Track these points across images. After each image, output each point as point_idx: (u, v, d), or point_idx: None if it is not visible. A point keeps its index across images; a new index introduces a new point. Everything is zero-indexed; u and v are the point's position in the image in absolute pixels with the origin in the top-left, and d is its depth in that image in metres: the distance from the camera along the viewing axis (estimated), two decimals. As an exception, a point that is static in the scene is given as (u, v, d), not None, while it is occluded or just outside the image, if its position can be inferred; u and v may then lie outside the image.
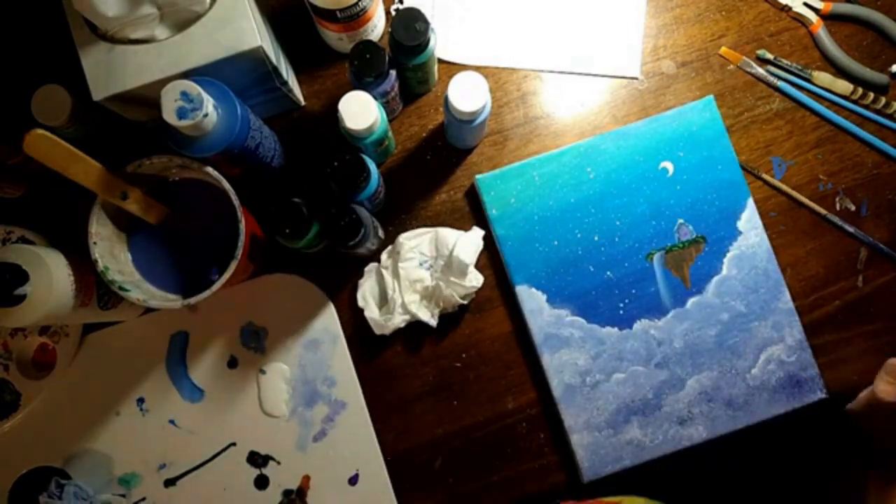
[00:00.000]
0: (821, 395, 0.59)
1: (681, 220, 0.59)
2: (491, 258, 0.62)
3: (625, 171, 0.60)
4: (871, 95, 0.62)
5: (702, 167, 0.60)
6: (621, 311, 0.59)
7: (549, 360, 0.59)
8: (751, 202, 0.60)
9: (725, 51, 0.63)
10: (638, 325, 0.59)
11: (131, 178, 0.52)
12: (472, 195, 0.62)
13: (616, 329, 0.59)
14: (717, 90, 0.63)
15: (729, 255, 0.59)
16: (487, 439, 0.61)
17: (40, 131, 0.45)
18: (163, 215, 0.55)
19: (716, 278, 0.59)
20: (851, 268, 0.62)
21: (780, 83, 0.63)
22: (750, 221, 0.60)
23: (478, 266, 0.59)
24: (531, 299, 0.59)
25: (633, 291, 0.59)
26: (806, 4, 0.63)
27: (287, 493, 0.60)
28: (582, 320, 0.59)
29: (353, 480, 0.60)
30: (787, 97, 0.63)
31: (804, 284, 0.61)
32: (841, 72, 0.63)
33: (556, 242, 0.59)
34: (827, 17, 0.63)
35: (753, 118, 0.63)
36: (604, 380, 0.58)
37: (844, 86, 0.62)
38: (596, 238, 0.59)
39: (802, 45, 0.64)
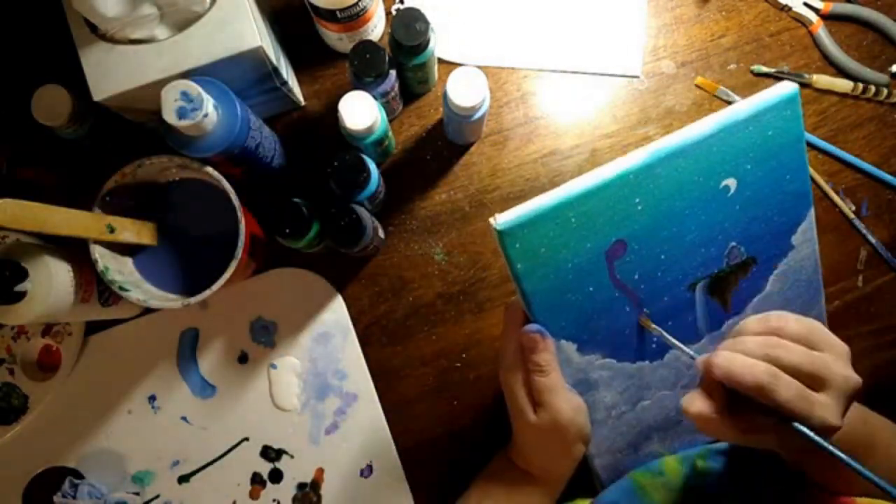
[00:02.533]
0: None
1: (733, 244, 0.50)
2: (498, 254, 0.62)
3: (679, 196, 0.47)
4: (873, 88, 0.62)
5: (768, 180, 0.49)
6: (654, 346, 0.52)
7: None
8: (811, 213, 0.51)
9: (701, 81, 0.63)
10: (670, 356, 0.52)
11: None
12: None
13: (647, 362, 0.52)
14: (717, 90, 0.63)
15: (776, 271, 0.52)
16: (487, 440, 0.61)
17: (8, 200, 0.43)
18: (156, 233, 0.55)
19: (757, 297, 0.52)
20: (851, 268, 0.62)
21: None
22: (805, 234, 0.51)
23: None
24: (560, 352, 0.50)
25: (670, 323, 0.51)
26: (806, 4, 0.63)
27: (301, 486, 0.61)
28: (612, 360, 0.51)
29: (366, 472, 0.61)
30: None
31: (804, 284, 0.62)
32: (841, 72, 0.63)
33: (591, 289, 0.49)
34: (827, 17, 0.63)
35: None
36: (629, 410, 0.53)
37: (844, 84, 0.62)
38: (636, 277, 0.49)
39: (802, 45, 0.64)
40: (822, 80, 0.62)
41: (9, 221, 0.43)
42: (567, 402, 0.48)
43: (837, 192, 0.62)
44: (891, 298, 0.62)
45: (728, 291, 0.52)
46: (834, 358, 0.38)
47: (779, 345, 0.38)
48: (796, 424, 0.36)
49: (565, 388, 0.49)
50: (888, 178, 0.62)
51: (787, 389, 0.36)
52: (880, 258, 0.62)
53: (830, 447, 0.35)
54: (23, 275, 0.48)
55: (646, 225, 0.48)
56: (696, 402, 0.40)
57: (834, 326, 0.61)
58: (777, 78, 0.63)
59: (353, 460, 0.61)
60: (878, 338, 0.61)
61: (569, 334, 0.49)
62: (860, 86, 0.62)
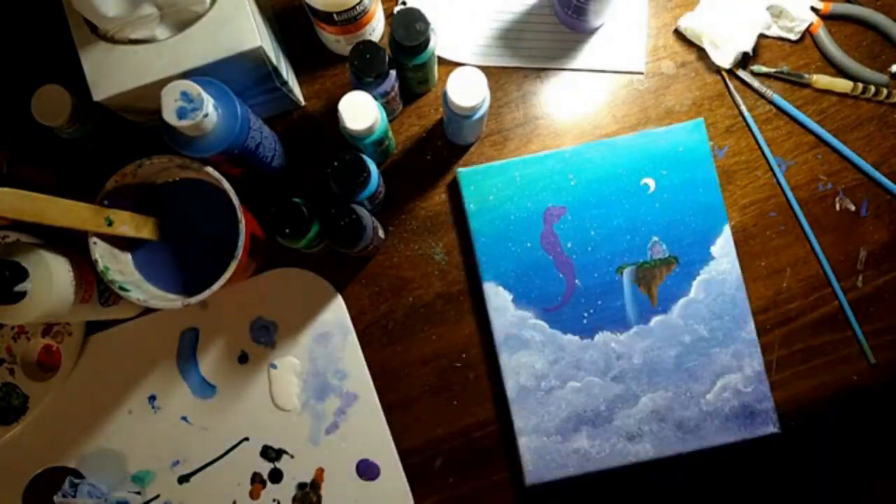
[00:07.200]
0: (773, 429, 0.58)
1: (655, 238, 0.59)
2: (466, 255, 0.62)
3: (606, 182, 0.60)
4: (873, 88, 0.62)
5: (683, 188, 0.60)
6: (585, 321, 0.59)
7: (506, 360, 0.59)
8: (727, 228, 0.60)
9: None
10: (599, 337, 0.59)
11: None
12: (455, 189, 0.62)
13: (577, 338, 0.59)
14: (717, 90, 0.63)
15: (699, 278, 0.59)
16: (487, 439, 0.61)
17: (6, 189, 0.43)
18: (157, 228, 0.55)
19: (683, 300, 0.59)
20: (851, 268, 0.62)
21: (774, 96, 0.63)
22: (724, 248, 0.59)
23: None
24: (497, 297, 0.59)
25: (599, 303, 0.59)
26: (806, 4, 0.63)
27: (301, 486, 0.61)
28: (544, 324, 0.59)
29: (366, 472, 0.61)
30: (780, 111, 0.63)
31: (804, 284, 0.61)
32: (841, 72, 0.63)
33: (528, 244, 0.60)
34: (827, 17, 0.63)
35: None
36: (559, 386, 0.58)
37: (844, 84, 0.62)
38: (569, 245, 0.60)
39: (802, 45, 0.64)
40: (822, 80, 0.62)
41: (7, 211, 0.44)
42: None
43: (837, 193, 0.62)
44: (891, 298, 0.62)
45: (653, 284, 0.60)
46: None
47: None
48: None
49: None
50: (887, 183, 0.62)
51: None
52: (880, 258, 0.62)
53: None
54: (23, 275, 0.48)
55: (578, 198, 0.60)
56: None
57: (834, 326, 0.61)
58: (777, 78, 0.63)
59: (352, 460, 0.61)
60: (878, 338, 0.61)
61: (507, 283, 0.60)
62: (860, 86, 0.62)
